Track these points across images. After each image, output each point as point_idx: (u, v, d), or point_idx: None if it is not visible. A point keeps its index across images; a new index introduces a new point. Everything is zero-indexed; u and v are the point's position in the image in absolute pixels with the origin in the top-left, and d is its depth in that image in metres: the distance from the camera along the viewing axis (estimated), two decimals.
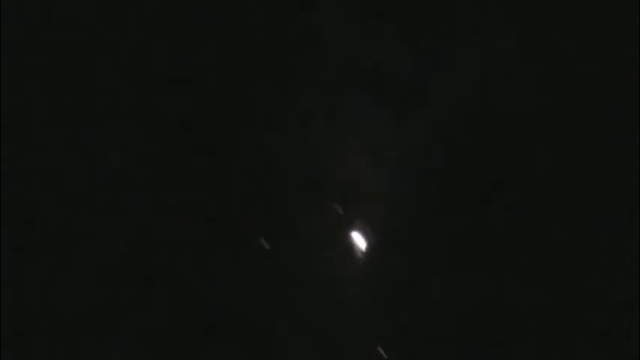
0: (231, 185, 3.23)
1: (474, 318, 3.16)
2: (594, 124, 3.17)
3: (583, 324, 3.08)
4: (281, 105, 3.23)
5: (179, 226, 3.18)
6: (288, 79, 3.23)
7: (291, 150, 3.23)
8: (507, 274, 3.15)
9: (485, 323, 3.15)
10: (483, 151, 3.21)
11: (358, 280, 3.23)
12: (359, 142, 3.25)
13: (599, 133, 3.16)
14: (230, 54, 3.23)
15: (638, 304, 3.03)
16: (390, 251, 3.24)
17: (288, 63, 3.23)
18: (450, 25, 3.18)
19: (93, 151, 3.18)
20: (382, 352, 3.16)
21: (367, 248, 3.23)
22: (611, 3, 3.11)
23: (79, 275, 3.11)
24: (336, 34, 3.23)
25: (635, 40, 3.11)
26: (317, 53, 3.24)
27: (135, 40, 3.20)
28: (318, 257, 3.21)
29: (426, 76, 3.21)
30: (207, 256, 3.18)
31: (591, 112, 3.17)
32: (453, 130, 3.20)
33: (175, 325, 3.12)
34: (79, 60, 3.18)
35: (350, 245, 3.24)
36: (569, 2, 3.14)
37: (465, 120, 3.20)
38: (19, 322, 3.04)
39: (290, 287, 3.18)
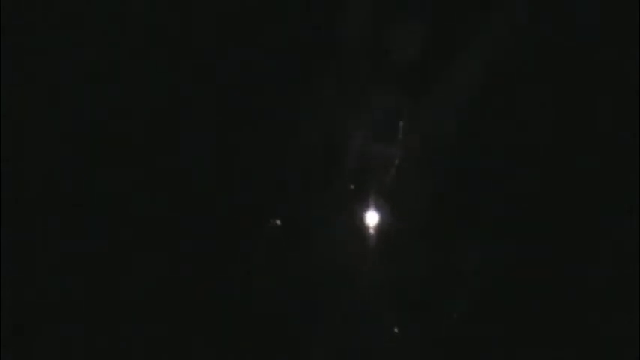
0: (231, 185, 3.24)
1: (476, 316, 3.17)
2: (594, 124, 3.17)
3: (583, 324, 3.08)
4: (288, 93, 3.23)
5: (179, 225, 3.19)
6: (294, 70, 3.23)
7: (300, 137, 3.22)
8: (507, 274, 3.16)
9: (488, 321, 3.15)
10: (483, 150, 3.22)
11: (370, 260, 3.22)
12: (368, 127, 3.24)
13: (599, 133, 3.16)
14: (230, 54, 3.23)
15: (638, 305, 3.03)
16: (401, 233, 3.22)
17: (291, 58, 3.23)
18: (455, 18, 3.18)
19: (93, 151, 3.18)
20: (396, 330, 3.14)
21: (379, 229, 3.22)
22: (611, 3, 3.11)
23: (79, 275, 3.12)
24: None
25: (635, 40, 3.11)
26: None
27: (135, 40, 3.21)
28: (329, 239, 3.20)
29: (434, 65, 3.21)
30: (208, 256, 3.18)
31: (591, 112, 3.17)
32: (459, 120, 3.20)
33: (177, 325, 3.13)
34: (80, 60, 3.19)
35: (361, 227, 3.23)
36: (569, 2, 3.14)
37: (465, 118, 3.20)
38: (19, 322, 3.04)
39: (301, 270, 3.17)
